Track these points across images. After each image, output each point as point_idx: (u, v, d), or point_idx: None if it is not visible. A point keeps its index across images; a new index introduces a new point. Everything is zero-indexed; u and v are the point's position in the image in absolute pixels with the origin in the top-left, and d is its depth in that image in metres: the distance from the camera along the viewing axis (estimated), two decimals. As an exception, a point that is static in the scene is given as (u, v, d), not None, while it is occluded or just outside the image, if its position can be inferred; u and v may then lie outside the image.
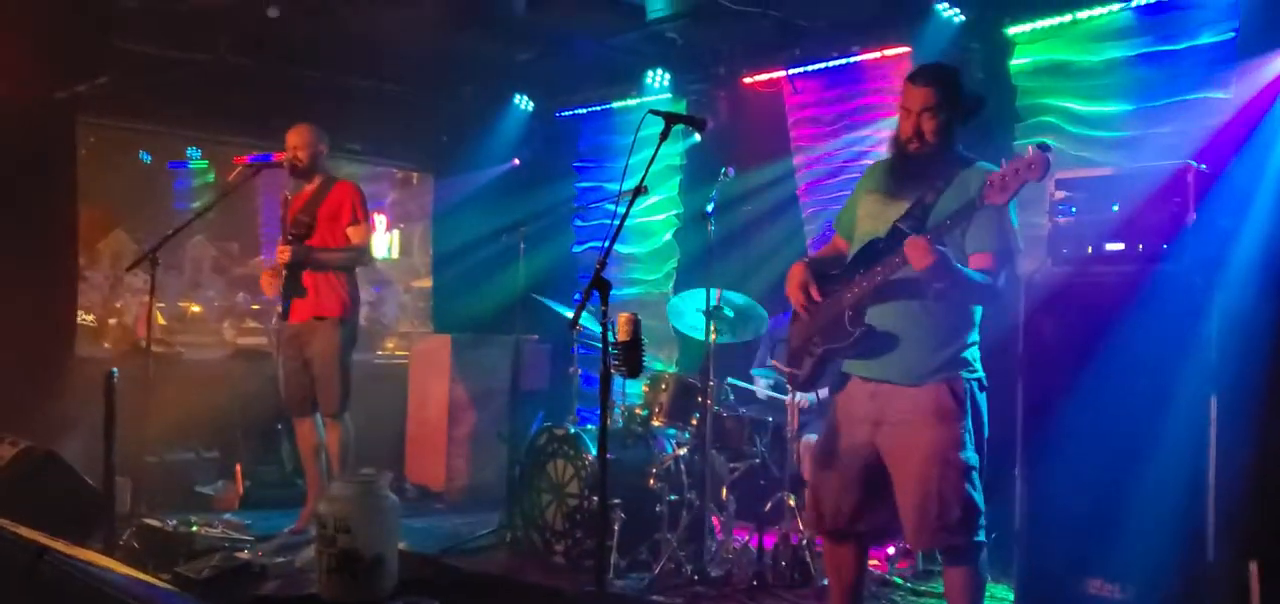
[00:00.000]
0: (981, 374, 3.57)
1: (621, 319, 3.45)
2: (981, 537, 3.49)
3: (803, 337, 3.69)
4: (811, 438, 5.12)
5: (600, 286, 3.21)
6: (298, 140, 5.74)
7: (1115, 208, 4.46)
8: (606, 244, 3.33)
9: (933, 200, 3.43)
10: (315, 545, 4.65)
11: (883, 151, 3.84)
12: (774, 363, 5.23)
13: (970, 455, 3.45)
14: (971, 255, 3.44)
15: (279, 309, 5.76)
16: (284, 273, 5.64)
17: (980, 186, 3.25)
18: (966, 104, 3.59)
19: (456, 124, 8.13)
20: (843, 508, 3.61)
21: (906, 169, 3.55)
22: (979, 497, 3.46)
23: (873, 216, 3.58)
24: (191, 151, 9.58)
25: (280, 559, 5.19)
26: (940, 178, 3.46)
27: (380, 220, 10.46)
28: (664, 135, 3.53)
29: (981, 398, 3.54)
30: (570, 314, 6.75)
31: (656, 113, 3.53)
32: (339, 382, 5.66)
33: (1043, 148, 3.11)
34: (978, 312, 3.58)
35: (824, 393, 4.73)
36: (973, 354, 3.54)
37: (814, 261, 3.73)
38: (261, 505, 6.52)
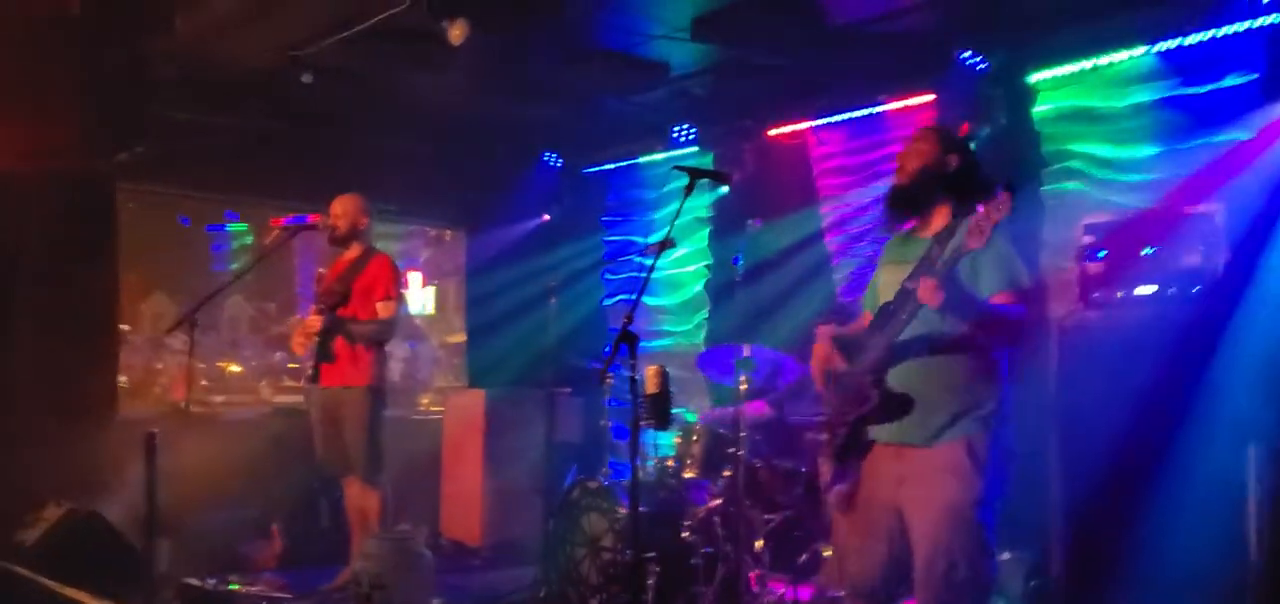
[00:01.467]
0: (1009, 442, 3.52)
1: (649, 372, 3.50)
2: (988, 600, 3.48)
3: (836, 406, 3.70)
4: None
5: (628, 340, 3.26)
6: (340, 209, 5.85)
7: (1146, 251, 4.47)
8: (635, 297, 3.38)
9: (937, 255, 3.43)
10: (351, 601, 4.69)
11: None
12: (813, 435, 5.21)
13: (985, 515, 3.41)
14: (991, 297, 3.45)
15: (310, 371, 5.83)
16: (315, 338, 5.72)
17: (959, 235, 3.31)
18: (960, 164, 3.62)
19: (487, 182, 8.24)
20: (866, 563, 3.62)
21: (897, 215, 3.67)
22: (991, 563, 3.45)
23: (887, 285, 3.63)
24: (229, 214, 9.75)
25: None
26: (945, 232, 3.47)
27: (415, 278, 10.58)
28: (689, 190, 3.58)
29: (1004, 464, 3.49)
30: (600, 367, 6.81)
31: (681, 168, 3.59)
32: (371, 448, 5.70)
33: (1007, 187, 3.16)
34: (1002, 374, 3.54)
35: None
36: (995, 416, 3.49)
37: (840, 337, 3.76)
38: (300, 563, 6.56)
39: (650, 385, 3.43)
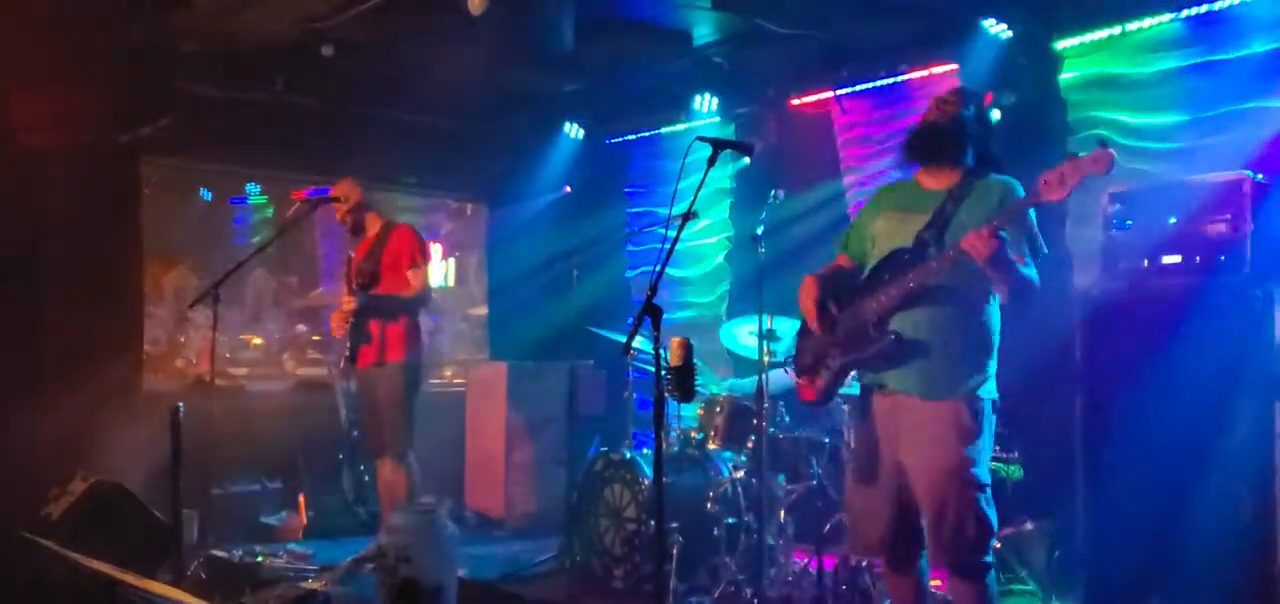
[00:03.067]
0: (996, 395, 3.60)
1: (674, 343, 3.48)
2: (990, 558, 3.53)
3: (817, 350, 3.73)
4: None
5: (652, 312, 3.25)
6: (340, 192, 5.82)
7: (1171, 220, 4.42)
8: (657, 269, 3.37)
9: (952, 211, 3.48)
10: (377, 575, 4.72)
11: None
12: (790, 372, 5.21)
13: (984, 473, 3.49)
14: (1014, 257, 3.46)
15: (346, 353, 5.83)
16: (351, 320, 5.71)
17: (1004, 194, 3.38)
18: (985, 125, 3.65)
19: (509, 154, 8.23)
20: (877, 528, 3.65)
21: (920, 155, 3.63)
22: (993, 514, 3.50)
23: (892, 232, 3.62)
24: (251, 187, 9.78)
25: (344, 588, 5.27)
26: (958, 187, 3.51)
27: (436, 250, 10.59)
28: (711, 161, 3.56)
29: (993, 419, 3.58)
30: (623, 340, 6.82)
31: (704, 139, 3.56)
32: (402, 424, 5.71)
33: (1104, 144, 3.14)
34: (996, 332, 3.59)
35: None
36: (990, 372, 3.57)
37: (825, 277, 3.77)
38: (325, 535, 6.62)
39: (674, 358, 3.40)
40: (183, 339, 9.03)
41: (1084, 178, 3.13)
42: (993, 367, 3.58)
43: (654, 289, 3.26)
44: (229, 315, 9.10)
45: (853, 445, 5.28)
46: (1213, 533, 4.10)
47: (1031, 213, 3.46)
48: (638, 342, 3.38)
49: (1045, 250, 3.55)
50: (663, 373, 3.29)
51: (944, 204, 3.50)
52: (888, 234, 3.64)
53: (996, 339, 3.60)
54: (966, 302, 3.51)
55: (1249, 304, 4.10)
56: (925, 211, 3.54)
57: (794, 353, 3.94)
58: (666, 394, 3.34)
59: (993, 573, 3.56)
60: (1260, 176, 4.26)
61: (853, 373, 3.74)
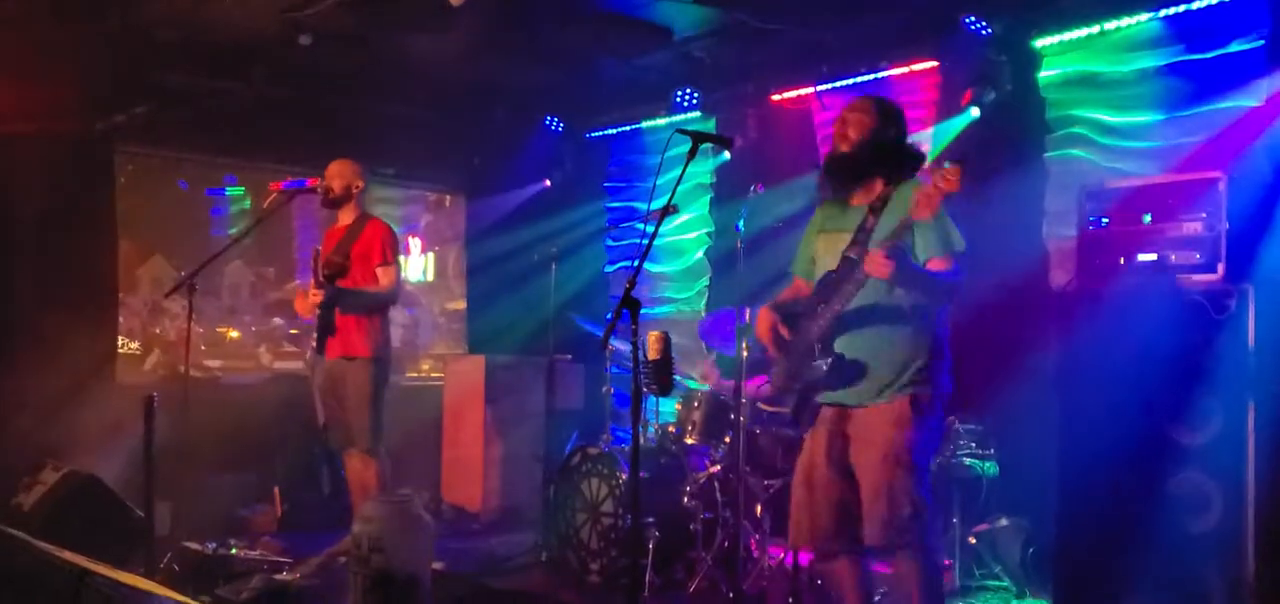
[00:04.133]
0: (946, 390, 3.72)
1: (652, 338, 3.49)
2: (929, 537, 3.63)
3: (783, 376, 3.85)
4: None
5: (630, 306, 3.24)
6: (336, 171, 5.74)
7: (1146, 218, 4.45)
8: (637, 264, 3.37)
9: (872, 224, 3.62)
10: (349, 566, 4.70)
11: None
12: (762, 404, 5.26)
13: (920, 458, 3.60)
14: (928, 262, 3.60)
15: (314, 343, 5.78)
16: (316, 311, 5.65)
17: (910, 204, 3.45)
18: (897, 138, 3.74)
19: (488, 146, 8.20)
20: (819, 524, 3.75)
21: (836, 183, 3.77)
22: (928, 495, 3.60)
23: (824, 253, 3.79)
24: (228, 179, 9.71)
25: (318, 580, 5.25)
26: (877, 200, 3.65)
27: (414, 243, 10.56)
28: (691, 155, 3.57)
29: (939, 409, 3.71)
30: (602, 334, 6.82)
31: (684, 132, 3.57)
32: (370, 419, 5.63)
33: (957, 161, 3.27)
34: (939, 328, 3.70)
35: None
36: (936, 371, 3.68)
37: (779, 304, 3.90)
38: (300, 527, 6.57)
39: (652, 352, 3.41)
40: (157, 330, 8.97)
41: (944, 197, 3.27)
42: (939, 364, 3.69)
43: (633, 283, 3.26)
44: (205, 307, 9.06)
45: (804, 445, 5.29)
46: (1185, 531, 4.13)
47: (947, 213, 3.54)
48: (615, 336, 3.37)
49: (960, 248, 3.61)
50: (641, 367, 3.29)
51: (864, 219, 3.65)
52: (824, 253, 3.80)
53: (939, 339, 3.70)
54: (901, 311, 3.62)
55: (1223, 303, 4.13)
56: (849, 228, 3.69)
57: (771, 377, 4.03)
58: (645, 388, 3.35)
59: (933, 554, 3.69)
60: (1236, 176, 4.29)
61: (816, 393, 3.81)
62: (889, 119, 3.75)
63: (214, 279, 9.57)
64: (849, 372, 3.62)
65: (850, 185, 3.73)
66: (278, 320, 9.91)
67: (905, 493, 3.53)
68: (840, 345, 3.64)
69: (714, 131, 6.93)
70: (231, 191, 9.98)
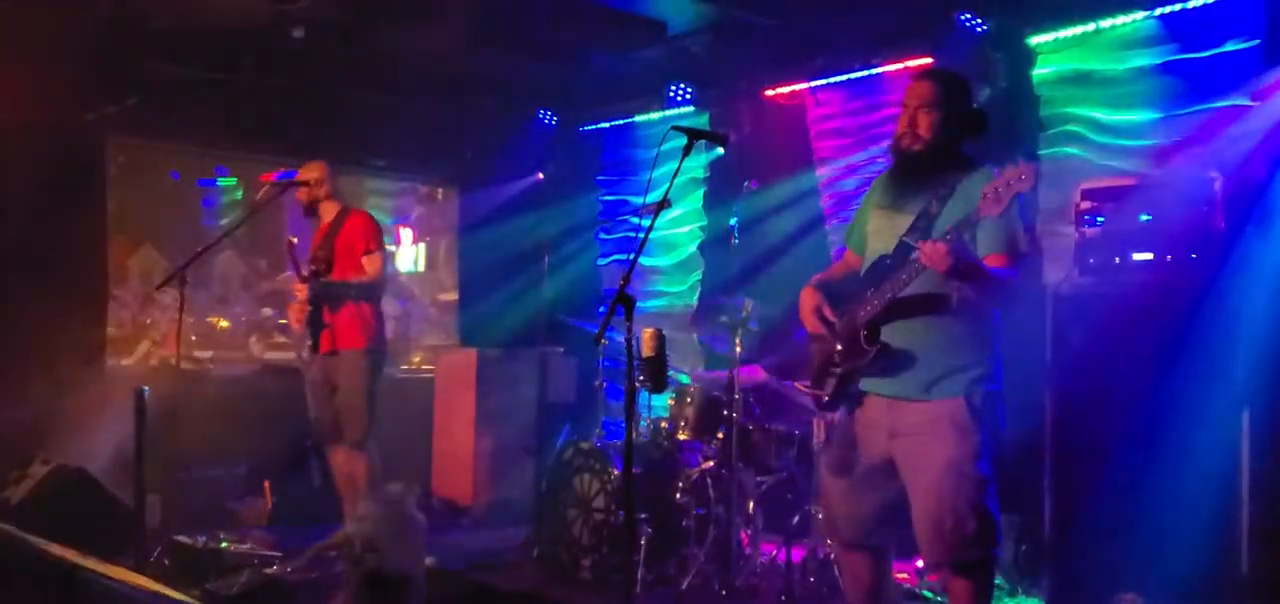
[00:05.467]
0: (1001, 387, 3.51)
1: (646, 334, 3.47)
2: (997, 551, 3.47)
3: (823, 358, 3.67)
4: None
5: (625, 302, 3.22)
6: (312, 176, 5.74)
7: (1143, 217, 4.45)
8: (631, 259, 3.35)
9: (937, 211, 3.42)
10: (342, 564, 4.68)
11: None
12: (799, 385, 5.22)
13: (985, 467, 3.40)
14: (985, 258, 3.39)
15: (309, 344, 5.74)
16: (308, 308, 5.63)
17: (979, 198, 3.24)
18: (968, 114, 3.58)
19: (480, 139, 8.18)
20: (857, 517, 3.62)
21: (907, 174, 3.55)
22: (996, 509, 3.42)
23: (879, 232, 3.58)
24: (219, 170, 9.66)
25: (309, 575, 5.23)
26: (942, 185, 3.44)
27: (406, 234, 10.52)
28: (686, 151, 3.53)
29: (1000, 409, 3.50)
30: (595, 330, 6.80)
31: (679, 128, 3.53)
32: (364, 411, 5.62)
33: (1029, 157, 3.13)
34: (995, 328, 3.53)
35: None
36: (991, 369, 3.49)
37: (825, 283, 3.73)
38: (290, 521, 6.55)
39: (646, 348, 3.39)
40: (148, 320, 8.92)
41: (1014, 196, 3.12)
42: (992, 361, 3.49)
43: (627, 278, 3.24)
44: (195, 297, 9.00)
45: (831, 437, 5.28)
46: (1178, 529, 4.13)
47: (1015, 212, 3.36)
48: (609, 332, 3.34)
49: (1024, 248, 3.45)
50: (634, 363, 3.27)
51: (928, 205, 3.44)
52: (877, 233, 3.59)
53: (994, 332, 3.52)
54: (955, 303, 3.43)
55: (1218, 302, 4.13)
56: (910, 212, 3.48)
57: (806, 360, 3.84)
58: (638, 385, 3.33)
59: (991, 570, 3.52)
60: (1231, 175, 4.29)
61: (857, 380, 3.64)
62: (956, 100, 3.54)
63: (205, 269, 9.50)
64: (897, 361, 3.43)
65: (922, 181, 3.49)
66: (268, 311, 9.86)
67: (971, 507, 3.33)
68: (888, 334, 3.45)
69: (708, 126, 6.98)
70: (223, 182, 9.92)
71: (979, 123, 3.60)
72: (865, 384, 3.57)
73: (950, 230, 3.23)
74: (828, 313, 3.59)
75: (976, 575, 3.46)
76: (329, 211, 5.79)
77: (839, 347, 3.58)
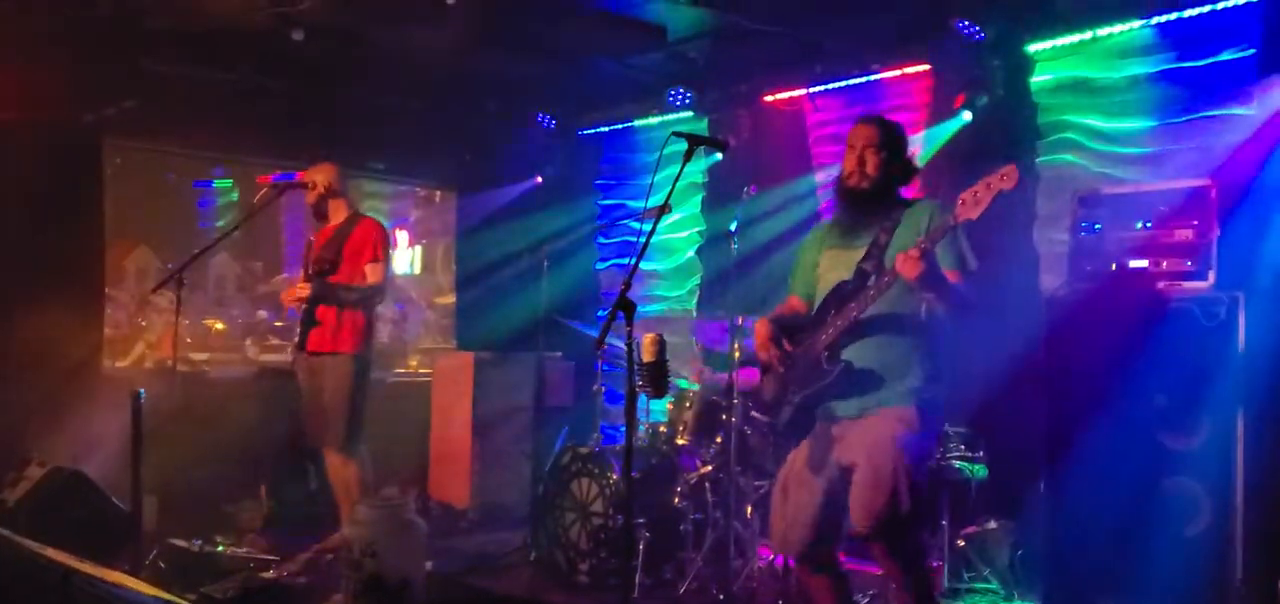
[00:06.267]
0: (941, 406, 3.73)
1: (647, 340, 3.48)
2: (922, 548, 3.74)
3: (777, 388, 3.82)
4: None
5: (625, 307, 3.23)
6: (316, 176, 5.76)
7: (1139, 225, 4.47)
8: (632, 263, 3.36)
9: (886, 241, 3.63)
10: (341, 569, 4.68)
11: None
12: (754, 412, 5.26)
13: (919, 466, 3.59)
14: (945, 273, 3.55)
15: (296, 338, 5.77)
16: (302, 305, 5.64)
17: (934, 213, 3.49)
18: (905, 161, 3.81)
19: (479, 142, 8.17)
20: (802, 534, 3.72)
21: (855, 211, 3.77)
22: (921, 503, 3.59)
23: (834, 266, 3.77)
24: (216, 171, 9.66)
25: (305, 579, 5.22)
26: (887, 219, 3.66)
27: (402, 236, 10.53)
28: (688, 156, 3.56)
29: (937, 427, 3.81)
30: (594, 334, 6.80)
31: (680, 134, 3.56)
32: (347, 416, 5.61)
33: (1013, 160, 3.26)
34: (941, 347, 3.70)
35: None
36: (935, 393, 3.66)
37: (779, 318, 3.89)
38: (287, 524, 6.53)
39: (647, 353, 3.40)
40: (144, 323, 8.90)
41: (995, 195, 3.24)
42: (940, 380, 3.68)
43: (629, 283, 3.25)
44: (191, 299, 8.98)
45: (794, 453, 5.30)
46: (1173, 536, 4.15)
47: (961, 232, 3.55)
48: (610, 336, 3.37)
49: (973, 266, 3.62)
50: (635, 368, 3.28)
51: (878, 236, 3.65)
52: (831, 267, 3.78)
53: (942, 353, 3.71)
54: (910, 323, 3.63)
55: (1214, 310, 4.15)
56: (862, 244, 3.69)
57: (757, 390, 4.02)
58: (639, 390, 3.34)
59: (923, 557, 3.74)
60: (1227, 184, 4.31)
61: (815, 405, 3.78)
62: (899, 144, 3.79)
63: (200, 271, 9.51)
64: (860, 381, 3.58)
65: (870, 217, 3.73)
66: (263, 313, 9.86)
67: (905, 488, 3.49)
68: (851, 354, 3.61)
69: (706, 132, 6.99)
70: (219, 184, 9.93)
71: (911, 173, 3.84)
72: (825, 408, 3.72)
73: (923, 239, 3.39)
74: (786, 343, 3.76)
75: (912, 566, 3.62)
76: (338, 214, 5.80)
77: (796, 375, 3.72)
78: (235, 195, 9.83)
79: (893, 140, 3.77)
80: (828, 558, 3.80)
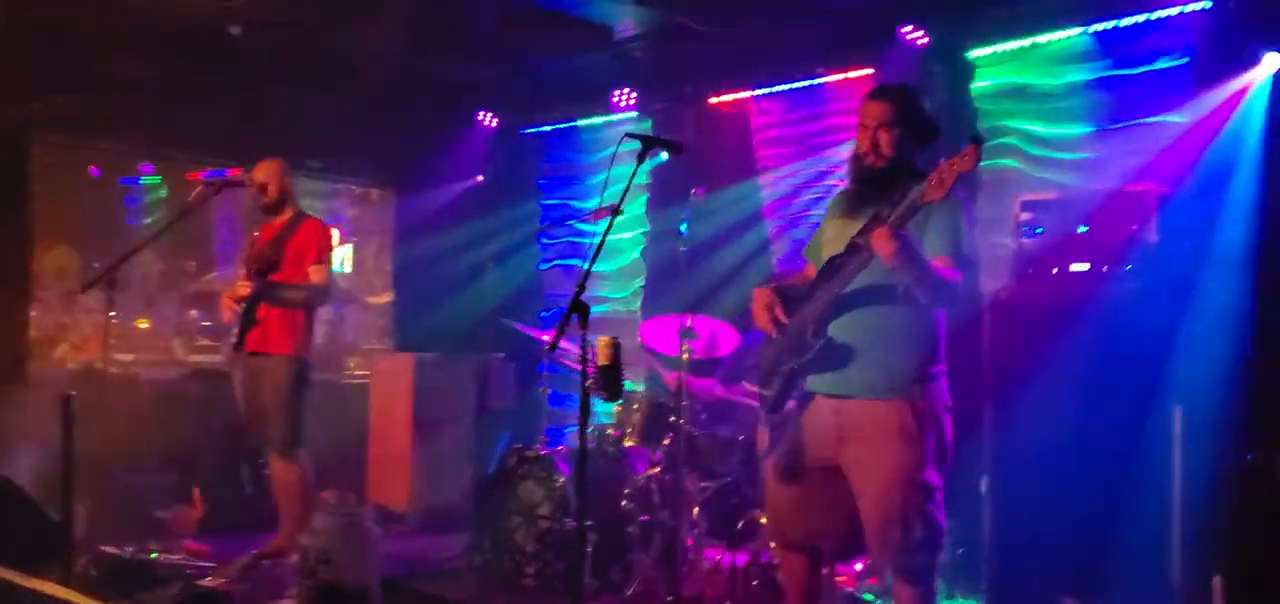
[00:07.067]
0: (947, 397, 3.57)
1: (601, 342, 3.43)
2: (937, 562, 3.54)
3: (771, 358, 3.72)
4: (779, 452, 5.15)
5: (579, 310, 3.20)
6: (266, 175, 5.66)
7: (1080, 228, 4.55)
8: (586, 266, 3.33)
9: (887, 215, 3.44)
10: (296, 577, 4.59)
11: (844, 173, 3.90)
12: (746, 385, 5.26)
13: (932, 475, 3.46)
14: (931, 259, 3.44)
15: (234, 337, 5.65)
16: (242, 304, 5.53)
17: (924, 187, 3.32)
18: (922, 126, 3.67)
19: (419, 140, 8.06)
20: (802, 520, 3.68)
21: (866, 187, 3.62)
22: (942, 516, 3.49)
23: (833, 239, 3.65)
24: (143, 167, 9.42)
25: (243, 585, 5.11)
26: (895, 193, 3.47)
27: (333, 235, 10.39)
28: (641, 157, 3.54)
29: (945, 419, 3.54)
30: (540, 337, 6.75)
31: (634, 135, 3.54)
32: (287, 419, 5.53)
33: (975, 139, 3.16)
34: (939, 332, 3.58)
35: None
36: (935, 374, 3.54)
37: (780, 286, 3.78)
38: (221, 529, 6.38)
39: (602, 357, 3.36)
40: (67, 321, 8.65)
41: (958, 176, 3.15)
42: (937, 370, 3.54)
43: (582, 286, 3.22)
44: (117, 298, 8.74)
45: (776, 441, 5.31)
46: (1113, 534, 4.23)
47: (962, 217, 3.48)
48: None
49: (967, 252, 3.52)
50: (589, 371, 3.25)
51: (880, 211, 3.47)
52: (831, 240, 3.66)
53: (939, 337, 3.58)
54: (902, 302, 3.49)
55: (1153, 312, 4.24)
56: (864, 218, 3.52)
57: (756, 363, 3.89)
58: (593, 393, 3.31)
59: (935, 575, 3.58)
60: (1164, 189, 4.41)
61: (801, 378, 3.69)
62: (912, 115, 3.63)
63: (124, 269, 9.25)
64: (841, 356, 3.49)
65: (879, 193, 3.53)
66: (192, 313, 9.64)
67: (918, 515, 3.39)
68: (834, 329, 3.51)
69: (650, 132, 6.97)
70: (147, 180, 9.68)
71: (933, 131, 3.68)
72: (812, 383, 3.61)
73: (893, 216, 3.29)
74: (779, 313, 3.64)
75: (921, 581, 3.52)
76: (285, 213, 5.70)
77: (787, 346, 3.63)
78: (164, 191, 9.60)
79: (908, 111, 3.62)
80: (813, 546, 3.74)
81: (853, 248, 3.46)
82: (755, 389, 3.93)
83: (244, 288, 5.47)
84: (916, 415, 3.45)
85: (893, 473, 3.41)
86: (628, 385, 5.82)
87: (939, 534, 3.47)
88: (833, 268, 3.53)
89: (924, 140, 3.65)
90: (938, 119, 3.78)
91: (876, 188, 3.57)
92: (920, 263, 3.35)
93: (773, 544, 4.73)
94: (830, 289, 3.50)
